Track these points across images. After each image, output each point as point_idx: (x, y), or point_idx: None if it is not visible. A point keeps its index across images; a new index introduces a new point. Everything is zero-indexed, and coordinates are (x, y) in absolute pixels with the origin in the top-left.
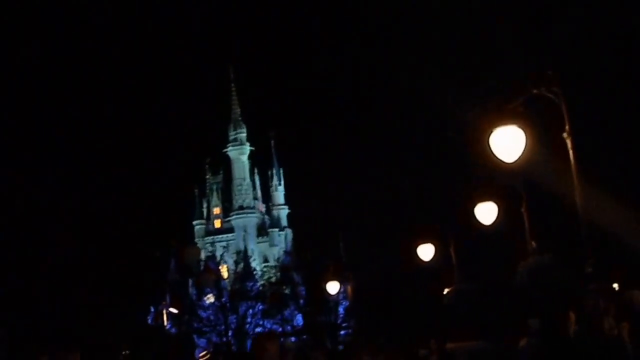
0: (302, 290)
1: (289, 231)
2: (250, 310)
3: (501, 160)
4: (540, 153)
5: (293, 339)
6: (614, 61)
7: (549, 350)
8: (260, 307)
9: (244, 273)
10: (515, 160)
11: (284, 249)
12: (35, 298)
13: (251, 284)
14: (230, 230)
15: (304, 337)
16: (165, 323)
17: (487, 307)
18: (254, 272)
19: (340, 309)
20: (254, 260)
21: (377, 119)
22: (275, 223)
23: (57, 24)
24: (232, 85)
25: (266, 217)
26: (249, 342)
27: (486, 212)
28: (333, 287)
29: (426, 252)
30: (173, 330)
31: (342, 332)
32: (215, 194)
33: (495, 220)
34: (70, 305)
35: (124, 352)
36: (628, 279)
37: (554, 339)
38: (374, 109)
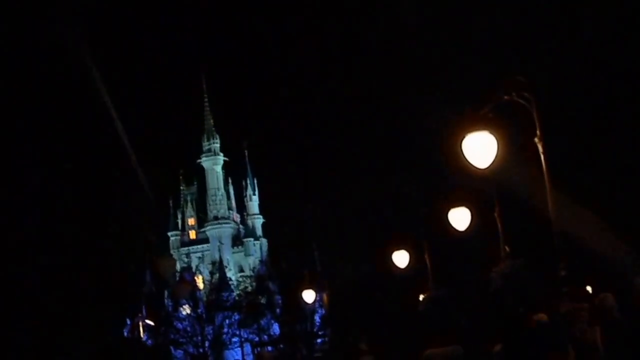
0: (278, 299)
1: (264, 241)
2: (227, 321)
3: (473, 166)
4: (512, 158)
5: (270, 348)
6: (585, 66)
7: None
8: (237, 317)
9: (219, 283)
10: (488, 166)
11: (259, 259)
12: (8, 312)
13: (227, 294)
14: (205, 240)
15: (281, 346)
16: (142, 335)
17: (462, 313)
18: (230, 282)
19: (317, 318)
20: (230, 270)
21: (350, 127)
22: (250, 233)
23: (23, 34)
24: (205, 95)
25: (241, 227)
26: (225, 353)
27: (459, 218)
28: (309, 295)
29: (401, 258)
30: (149, 342)
31: (318, 341)
32: (189, 204)
33: (469, 225)
34: (45, 318)
35: None
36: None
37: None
38: (348, 117)
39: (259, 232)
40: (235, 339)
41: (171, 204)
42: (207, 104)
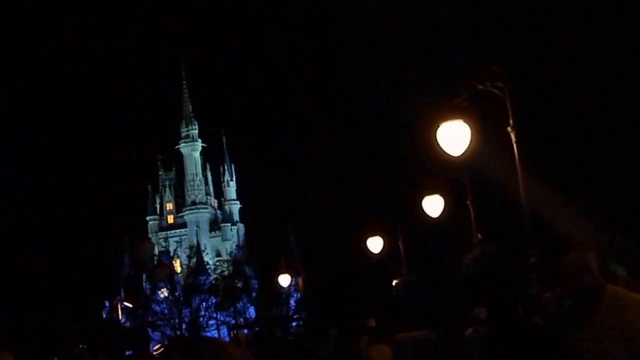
0: (254, 283)
1: (240, 226)
2: (204, 304)
3: (447, 154)
4: (485, 147)
5: (246, 331)
6: (557, 55)
7: (498, 337)
8: (214, 300)
9: (197, 267)
10: (461, 154)
11: (236, 243)
12: None
13: (204, 277)
14: (183, 225)
15: (257, 329)
16: (120, 317)
17: (434, 298)
18: (207, 266)
19: (292, 301)
20: (207, 254)
21: (326, 114)
22: (228, 218)
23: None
24: (184, 82)
25: (218, 212)
26: (202, 335)
27: (433, 205)
28: (284, 279)
29: (375, 244)
30: (128, 324)
31: (293, 324)
32: (168, 190)
33: (442, 212)
34: (24, 301)
35: (80, 346)
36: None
37: (503, 327)
38: (323, 105)
39: (236, 217)
40: (212, 322)
41: (150, 189)
42: (185, 90)
